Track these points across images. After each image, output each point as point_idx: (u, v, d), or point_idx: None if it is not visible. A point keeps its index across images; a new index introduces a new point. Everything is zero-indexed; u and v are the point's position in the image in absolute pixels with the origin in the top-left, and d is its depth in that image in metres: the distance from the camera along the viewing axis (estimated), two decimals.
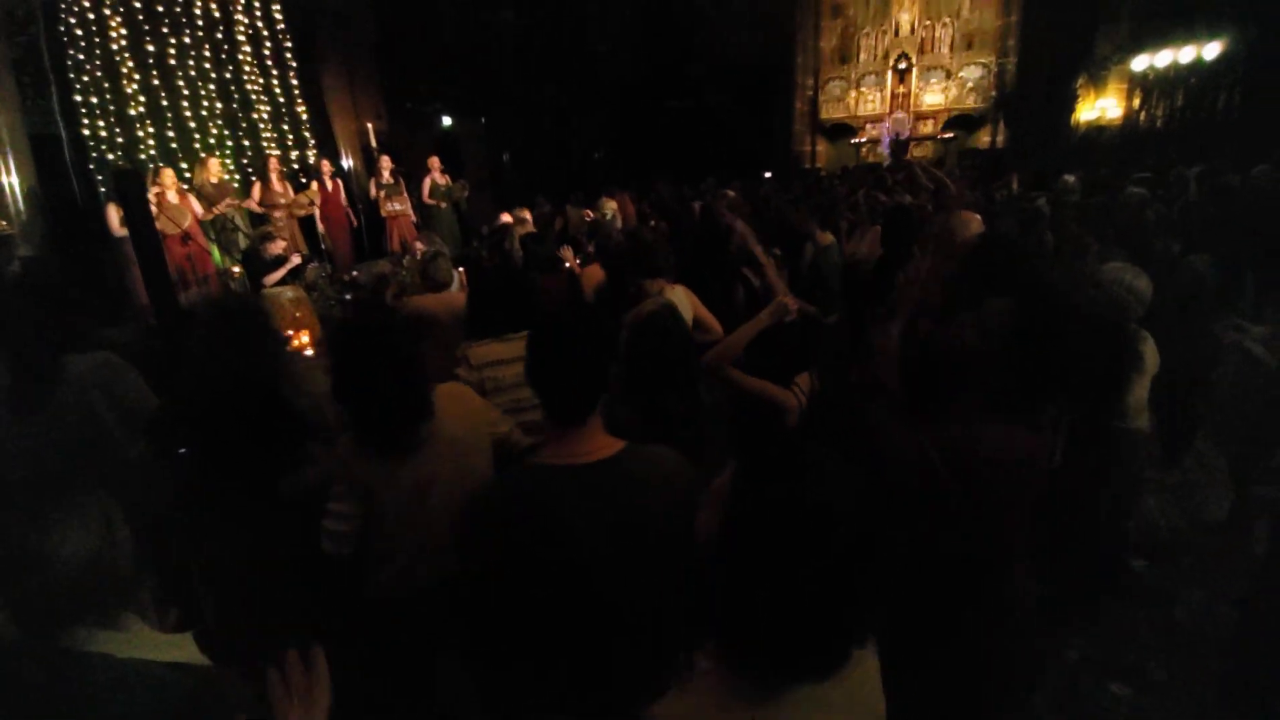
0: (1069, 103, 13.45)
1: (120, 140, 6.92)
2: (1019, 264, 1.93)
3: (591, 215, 6.58)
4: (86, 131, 6.54)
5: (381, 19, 10.14)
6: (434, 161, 8.61)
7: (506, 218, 6.08)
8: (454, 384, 1.90)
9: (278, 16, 8.73)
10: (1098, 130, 13.21)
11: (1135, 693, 2.39)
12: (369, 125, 9.00)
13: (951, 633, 1.45)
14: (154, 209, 5.85)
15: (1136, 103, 12.72)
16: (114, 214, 5.71)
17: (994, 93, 14.85)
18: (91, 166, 6.54)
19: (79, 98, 6.47)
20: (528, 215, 6.30)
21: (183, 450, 1.88)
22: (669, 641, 1.22)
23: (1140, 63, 12.17)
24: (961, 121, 15.31)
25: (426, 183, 8.48)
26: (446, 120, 11.45)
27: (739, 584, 0.81)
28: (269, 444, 1.77)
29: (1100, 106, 13.33)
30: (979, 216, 2.51)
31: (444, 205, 8.58)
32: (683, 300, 2.83)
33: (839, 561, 0.77)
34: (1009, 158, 12.73)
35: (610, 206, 6.94)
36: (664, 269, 2.82)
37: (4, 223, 4.56)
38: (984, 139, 15.10)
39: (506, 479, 1.39)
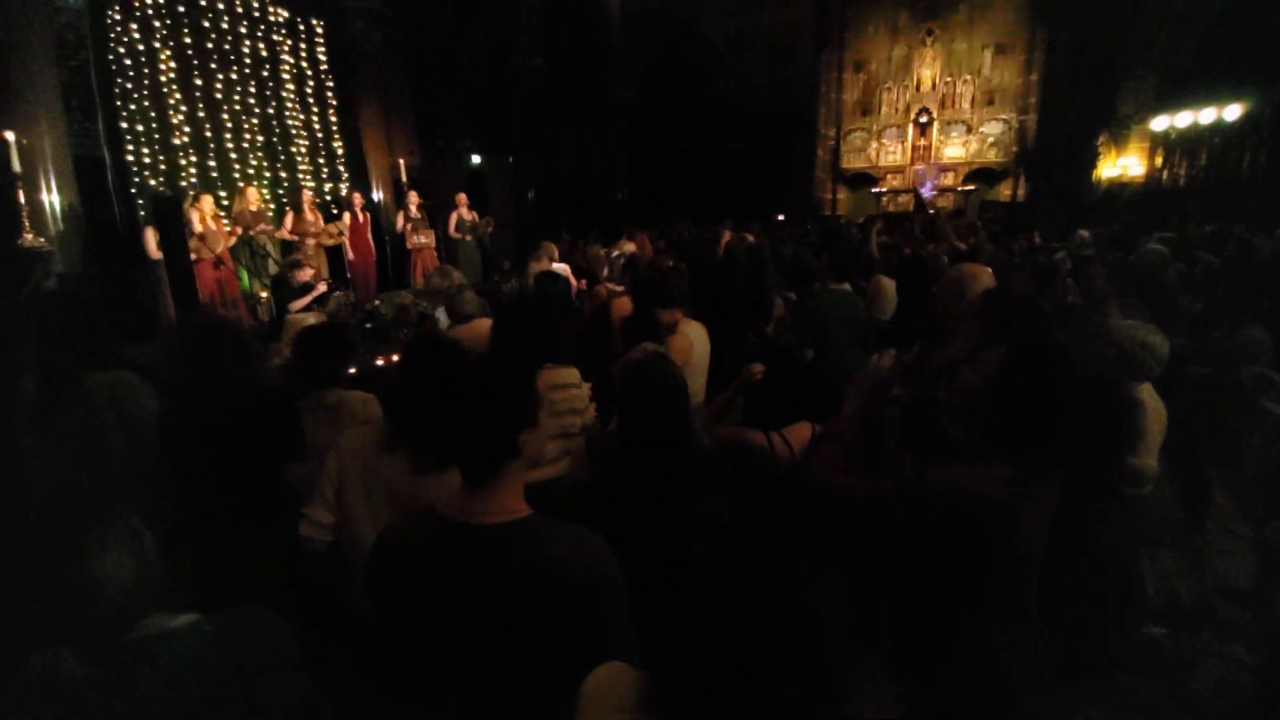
0: (1090, 159, 13.56)
1: (163, 167, 7.23)
2: (1026, 317, 1.93)
3: (606, 252, 6.72)
4: (130, 156, 6.84)
5: (418, 62, 10.57)
6: (461, 198, 8.87)
7: (630, 246, 6.23)
8: None
9: (321, 57, 9.15)
10: (1120, 187, 13.26)
11: None
12: (401, 161, 9.31)
13: (929, 693, 1.42)
14: (193, 234, 6.09)
15: (1159, 161, 12.78)
16: (151, 237, 5.92)
17: (1015, 148, 15.01)
18: (133, 190, 6.82)
19: (125, 124, 6.79)
20: (555, 253, 6.44)
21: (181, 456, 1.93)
22: None
23: (1161, 122, 12.26)
24: (982, 174, 15.48)
25: (453, 218, 8.73)
26: (475, 158, 11.81)
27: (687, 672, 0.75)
28: (249, 447, 1.81)
29: (1122, 164, 13.41)
30: (989, 270, 2.52)
31: (469, 239, 8.80)
32: (699, 336, 2.87)
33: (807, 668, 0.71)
34: (1030, 211, 12.80)
35: (628, 248, 7.07)
36: (679, 300, 2.87)
37: (42, 239, 4.74)
38: (1005, 192, 15.21)
39: (408, 521, 1.28)
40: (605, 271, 5.77)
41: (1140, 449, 2.37)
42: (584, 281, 4.90)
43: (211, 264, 6.31)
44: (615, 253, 6.62)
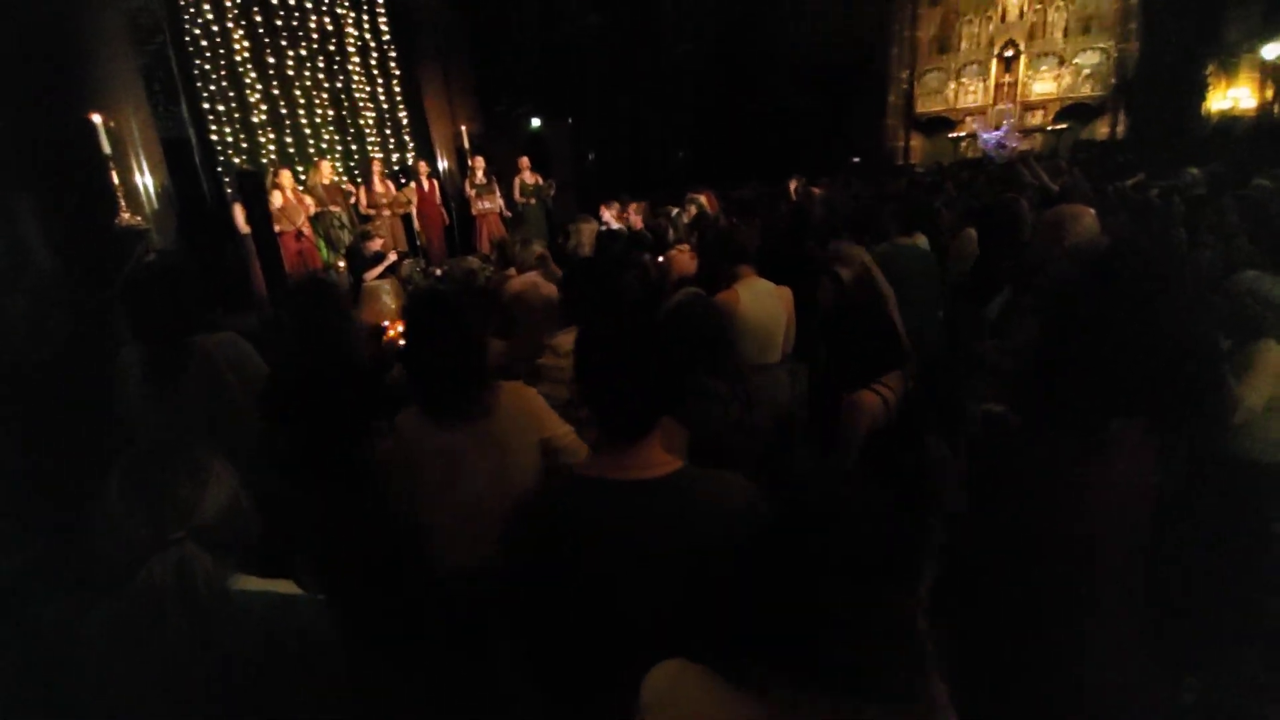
0: (1198, 91, 12.18)
1: (244, 145, 7.57)
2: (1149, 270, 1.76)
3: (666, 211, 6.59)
4: (214, 136, 7.19)
5: (475, 27, 10.56)
6: (524, 161, 8.91)
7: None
8: (519, 384, 1.92)
9: (384, 28, 9.27)
10: (1230, 121, 11.89)
11: None
12: (463, 128, 9.40)
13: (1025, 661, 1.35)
14: (275, 207, 6.37)
15: (1270, 93, 11.38)
16: (239, 213, 6.24)
17: (1113, 80, 13.65)
18: (219, 169, 7.18)
19: (206, 104, 7.11)
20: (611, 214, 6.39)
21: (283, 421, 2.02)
22: None
23: (1273, 50, 10.88)
24: (1076, 111, 14.16)
25: (517, 182, 8.79)
26: (535, 122, 11.79)
27: (779, 609, 0.79)
28: (342, 413, 1.88)
29: (1233, 96, 11.99)
30: (1092, 211, 2.31)
31: (533, 202, 8.85)
32: (757, 294, 2.77)
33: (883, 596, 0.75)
34: (1131, 150, 11.70)
35: (699, 201, 6.91)
36: (742, 256, 2.80)
37: (139, 218, 5.06)
38: (1102, 130, 13.91)
39: (549, 487, 1.35)
40: (671, 234, 5.66)
41: (1249, 382, 2.16)
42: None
43: (293, 236, 6.61)
44: (674, 211, 6.47)
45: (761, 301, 2.74)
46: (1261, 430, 2.25)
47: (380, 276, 5.39)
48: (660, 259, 4.44)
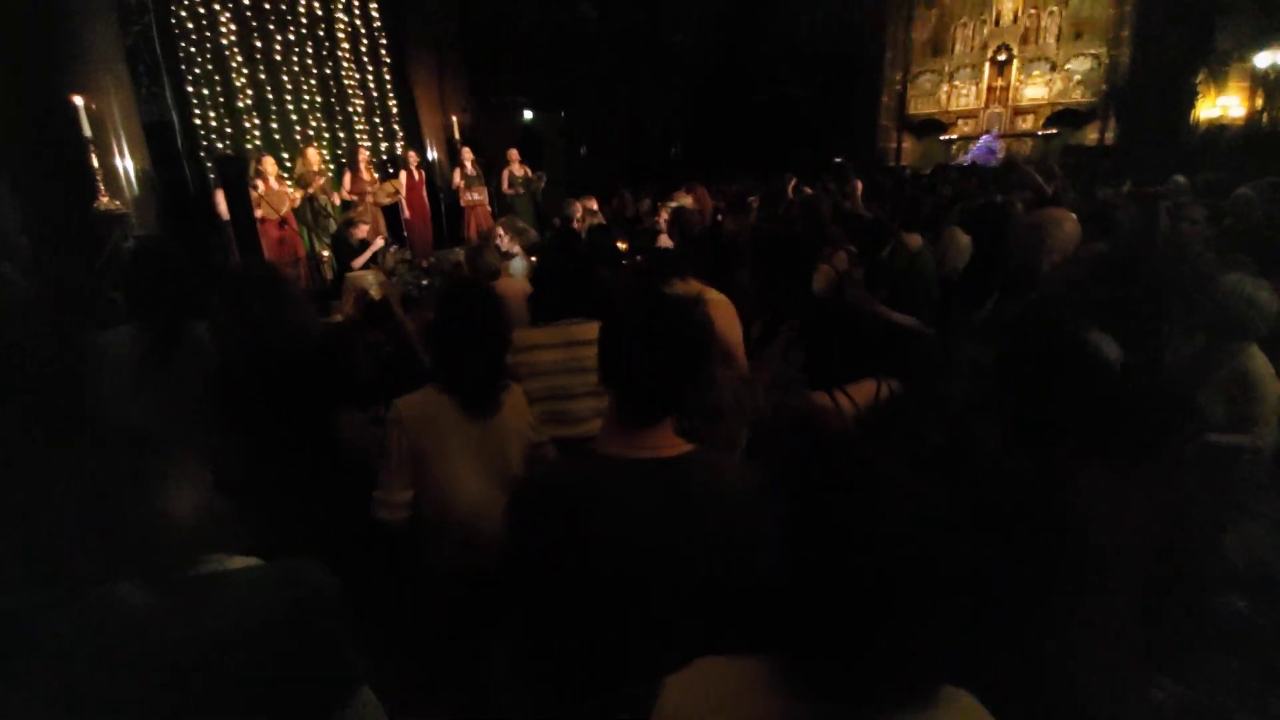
0: (1188, 98, 12.29)
1: (229, 130, 7.44)
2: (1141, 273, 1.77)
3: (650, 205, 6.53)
4: (198, 120, 7.05)
5: (466, 14, 10.45)
6: (513, 153, 8.84)
7: (686, 199, 6.06)
8: (514, 384, 1.96)
9: (374, 14, 9.15)
10: (1219, 130, 12.01)
11: None
12: (454, 118, 9.31)
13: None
14: (256, 195, 6.28)
15: (1260, 102, 11.50)
16: (222, 198, 6.14)
17: (1104, 86, 13.74)
18: (202, 154, 7.06)
19: (190, 88, 6.97)
20: (595, 206, 6.33)
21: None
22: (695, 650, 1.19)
23: (1264, 59, 11.01)
24: (1066, 117, 14.26)
25: (505, 174, 8.72)
26: (528, 114, 11.70)
27: (802, 600, 0.77)
28: (296, 395, 1.85)
29: (1222, 104, 12.11)
30: (1073, 215, 2.31)
31: (522, 194, 8.79)
32: (719, 311, 2.71)
33: (913, 583, 0.72)
34: (1119, 156, 11.79)
35: (685, 201, 6.88)
36: (688, 270, 2.75)
37: (118, 203, 4.96)
38: (1091, 135, 14.01)
39: (563, 467, 1.38)
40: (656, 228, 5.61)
41: (1259, 422, 2.17)
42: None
43: (276, 224, 6.52)
44: (645, 208, 6.36)
45: (721, 313, 2.70)
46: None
47: (364, 266, 5.34)
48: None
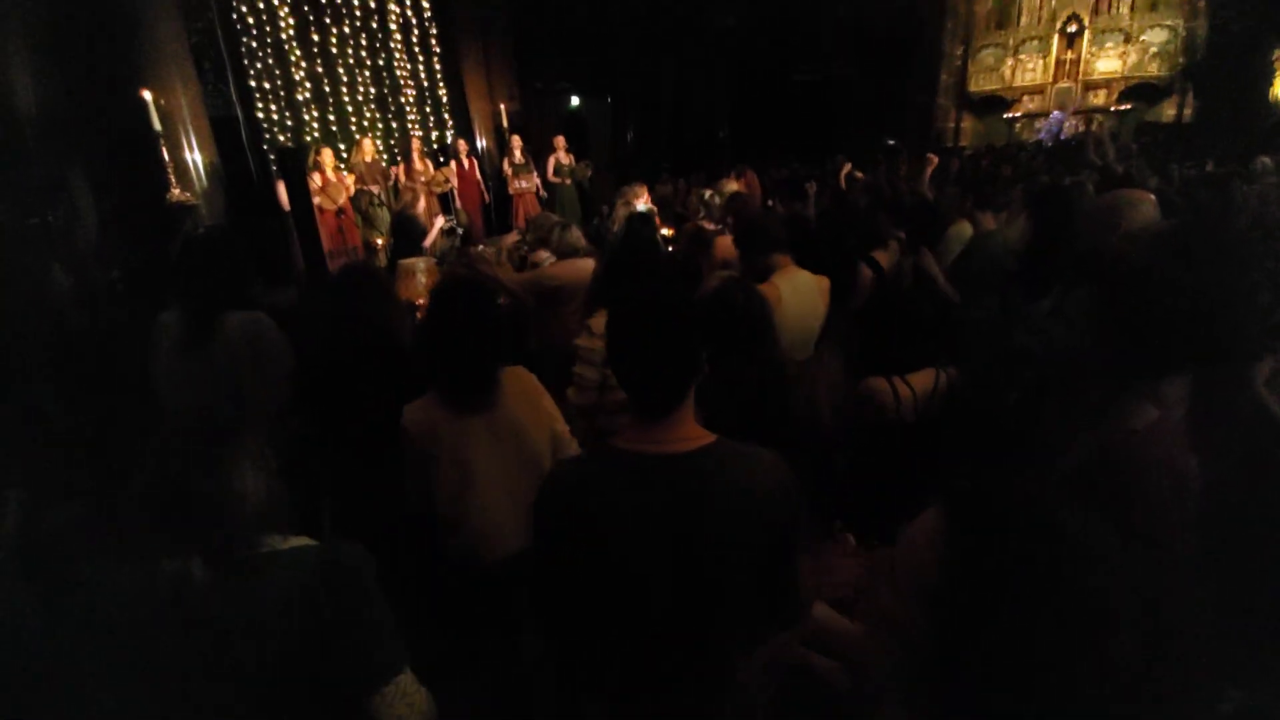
0: (1268, 73, 11.40)
1: (289, 122, 7.70)
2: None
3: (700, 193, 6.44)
4: (260, 114, 7.31)
5: (514, 3, 10.50)
6: (559, 140, 8.87)
7: (734, 185, 6.07)
8: (519, 368, 1.92)
9: (425, 5, 9.28)
10: None
11: None
12: (502, 106, 9.39)
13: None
14: (315, 186, 6.48)
15: None
16: (283, 190, 6.35)
17: (1181, 59, 12.85)
18: (265, 146, 7.32)
19: (253, 82, 7.22)
20: (644, 193, 6.28)
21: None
22: (716, 648, 1.18)
23: None
24: (1141, 91, 13.41)
25: (551, 161, 8.76)
26: (574, 100, 11.71)
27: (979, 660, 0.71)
28: (385, 394, 1.89)
29: None
30: (1151, 197, 2.16)
31: (568, 183, 8.82)
32: (797, 287, 2.68)
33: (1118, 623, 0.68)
34: (1198, 134, 11.05)
35: (733, 187, 6.77)
36: (779, 246, 2.71)
37: (189, 194, 5.20)
38: (1168, 112, 13.16)
39: (581, 460, 1.37)
40: (701, 214, 5.55)
41: None
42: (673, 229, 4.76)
43: (334, 214, 6.72)
44: (708, 193, 6.31)
45: (801, 295, 2.66)
46: None
47: (419, 252, 5.44)
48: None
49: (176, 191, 5.07)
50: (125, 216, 4.70)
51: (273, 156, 7.21)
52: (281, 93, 7.64)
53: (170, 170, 5.05)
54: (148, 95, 4.86)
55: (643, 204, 5.82)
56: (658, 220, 4.86)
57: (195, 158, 5.42)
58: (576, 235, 3.71)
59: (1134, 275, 1.28)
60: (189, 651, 1.03)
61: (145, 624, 1.02)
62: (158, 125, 4.90)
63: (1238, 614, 2.00)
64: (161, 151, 4.98)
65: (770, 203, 5.74)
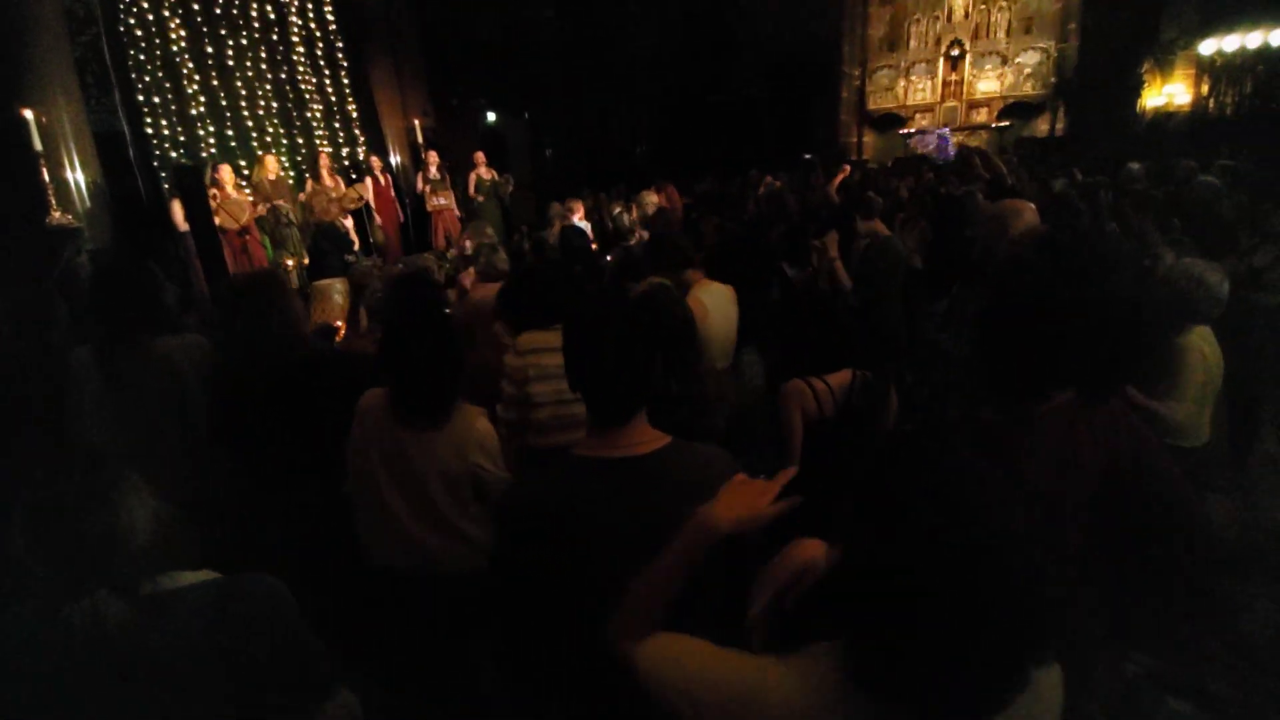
0: (1134, 88, 12.77)
1: (182, 138, 7.24)
2: (1082, 257, 1.84)
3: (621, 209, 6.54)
4: (150, 130, 6.85)
5: (425, 18, 10.32)
6: (479, 157, 8.75)
7: (654, 198, 6.17)
8: (481, 410, 1.86)
9: (330, 18, 8.98)
10: (1165, 117, 12.51)
11: (1196, 709, 2.26)
12: (416, 122, 9.19)
13: None
14: (214, 205, 6.11)
15: (1205, 88, 12.01)
16: (178, 209, 5.96)
17: (1053, 79, 14.20)
18: (155, 164, 6.84)
19: (141, 97, 6.77)
20: (580, 209, 6.30)
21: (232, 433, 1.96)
22: None
23: (1208, 47, 11.48)
24: (1018, 109, 14.70)
25: (472, 178, 8.62)
26: (491, 116, 11.60)
27: (882, 621, 0.71)
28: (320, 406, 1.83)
29: (1168, 92, 12.61)
30: (1032, 205, 2.39)
31: (481, 199, 8.71)
32: (715, 300, 2.77)
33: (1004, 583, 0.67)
34: (1069, 146, 12.19)
35: (653, 199, 6.90)
36: (692, 260, 2.82)
37: (70, 216, 4.80)
38: (1042, 127, 14.46)
39: (546, 470, 1.38)
40: (614, 229, 5.62)
41: (1174, 395, 2.25)
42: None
43: (236, 233, 6.36)
44: (617, 209, 6.35)
45: (719, 306, 2.76)
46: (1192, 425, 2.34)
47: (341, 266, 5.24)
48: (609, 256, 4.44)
49: (58, 214, 4.67)
50: (3, 243, 4.29)
51: (164, 175, 6.76)
52: (173, 107, 7.19)
53: (51, 191, 4.65)
54: (28, 114, 4.47)
55: (578, 218, 5.85)
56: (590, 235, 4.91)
57: (78, 177, 5.03)
58: (503, 259, 3.70)
59: (1023, 272, 1.42)
60: (112, 691, 0.96)
61: (67, 664, 0.95)
62: (38, 145, 4.51)
63: (1133, 584, 2.22)
64: (42, 172, 4.58)
65: (693, 215, 5.89)
